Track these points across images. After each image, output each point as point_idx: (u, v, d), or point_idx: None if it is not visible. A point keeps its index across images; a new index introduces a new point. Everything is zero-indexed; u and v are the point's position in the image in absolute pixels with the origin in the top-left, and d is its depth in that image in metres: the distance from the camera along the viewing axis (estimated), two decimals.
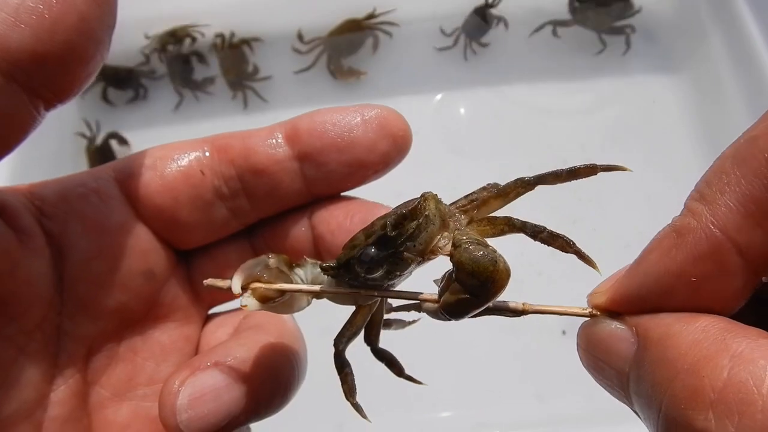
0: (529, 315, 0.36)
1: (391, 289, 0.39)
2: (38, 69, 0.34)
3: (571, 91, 1.37)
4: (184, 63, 1.38)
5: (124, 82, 1.37)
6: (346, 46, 1.39)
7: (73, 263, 0.43)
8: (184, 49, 1.39)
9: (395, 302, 0.45)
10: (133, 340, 0.47)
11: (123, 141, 1.35)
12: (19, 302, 0.40)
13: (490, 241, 0.35)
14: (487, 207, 0.40)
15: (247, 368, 0.41)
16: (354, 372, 0.44)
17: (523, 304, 0.36)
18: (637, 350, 0.31)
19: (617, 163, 0.38)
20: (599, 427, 1.05)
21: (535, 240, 0.36)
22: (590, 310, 0.34)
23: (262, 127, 0.46)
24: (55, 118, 0.38)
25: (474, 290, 0.33)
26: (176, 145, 0.46)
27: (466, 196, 0.41)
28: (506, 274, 0.33)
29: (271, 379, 0.42)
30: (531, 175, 0.38)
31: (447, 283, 0.35)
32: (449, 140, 1.32)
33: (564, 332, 1.13)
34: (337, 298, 0.40)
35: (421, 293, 0.38)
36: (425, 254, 0.38)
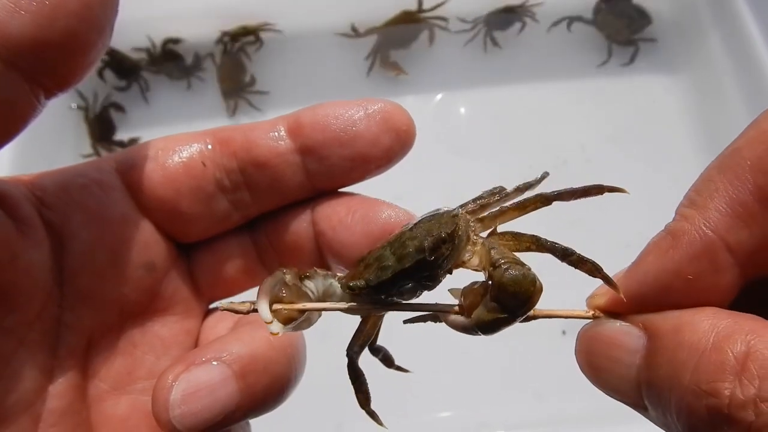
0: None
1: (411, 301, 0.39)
2: (39, 56, 0.33)
3: (571, 91, 1.37)
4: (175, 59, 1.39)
5: (127, 73, 1.38)
6: (398, 39, 1.39)
7: (74, 254, 0.43)
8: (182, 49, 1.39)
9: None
10: (133, 333, 0.46)
11: (120, 108, 1.37)
12: (18, 293, 0.40)
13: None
14: (504, 217, 0.41)
15: (243, 364, 0.40)
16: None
17: (533, 309, 0.37)
18: (647, 342, 0.33)
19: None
20: (599, 427, 1.05)
21: (562, 261, 0.37)
22: (594, 312, 0.36)
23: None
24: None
25: (513, 309, 0.35)
26: (178, 137, 0.46)
27: (474, 200, 0.42)
28: (541, 291, 0.34)
29: (268, 376, 0.41)
30: (551, 192, 0.40)
31: (476, 298, 0.36)
32: (449, 140, 1.32)
33: (564, 332, 1.13)
34: (354, 310, 0.40)
35: (449, 307, 0.38)
36: (452, 269, 0.39)
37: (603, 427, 1.04)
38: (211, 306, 0.39)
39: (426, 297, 0.40)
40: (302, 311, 0.38)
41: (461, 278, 0.39)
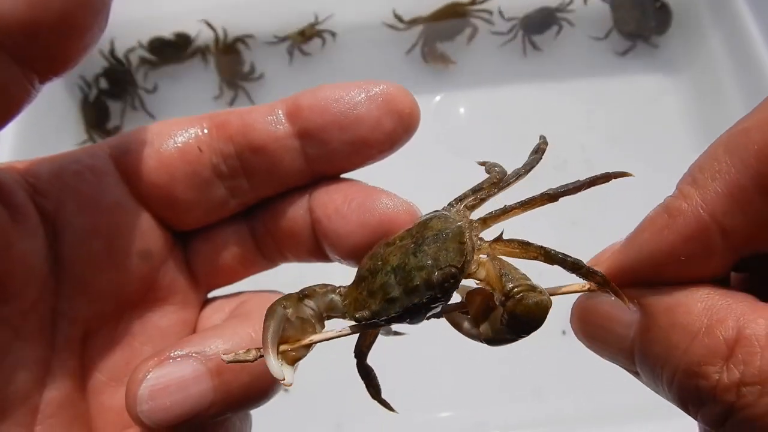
0: None
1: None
2: (32, 39, 0.32)
3: (571, 91, 1.37)
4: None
5: (117, 83, 1.37)
6: (444, 31, 1.38)
7: (68, 242, 0.42)
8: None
9: None
10: (131, 324, 0.46)
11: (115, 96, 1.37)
12: (13, 282, 0.39)
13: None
14: (507, 216, 0.40)
15: (219, 361, 0.39)
16: (354, 372, 0.43)
17: None
18: (641, 318, 0.34)
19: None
20: (599, 427, 1.05)
21: (571, 273, 0.36)
22: (589, 285, 0.36)
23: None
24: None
25: (524, 332, 0.35)
26: (174, 121, 0.45)
27: (473, 192, 0.41)
28: (550, 308, 0.35)
29: (247, 374, 0.40)
30: (555, 188, 0.39)
31: (482, 305, 0.37)
32: (449, 140, 1.32)
33: (564, 332, 1.13)
34: (360, 330, 0.39)
35: (454, 307, 0.38)
36: None
37: (603, 426, 1.04)
38: (223, 358, 0.38)
39: None
40: (309, 345, 0.38)
41: None
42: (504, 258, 0.38)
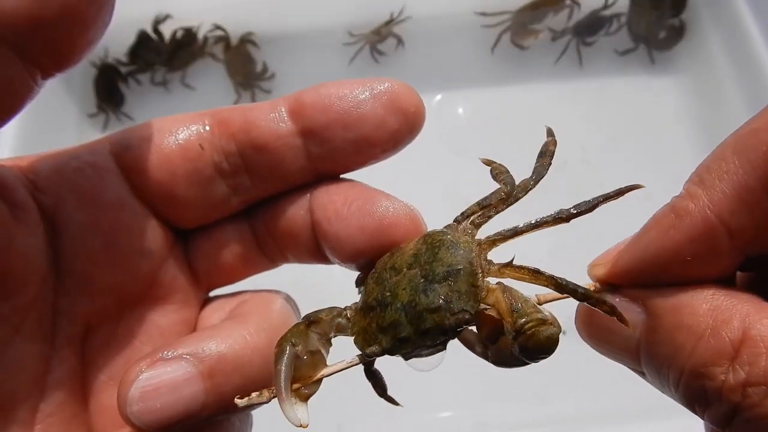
0: None
1: None
2: (35, 33, 0.31)
3: (571, 91, 1.37)
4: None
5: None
6: (528, 18, 1.39)
7: (68, 239, 0.42)
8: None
9: None
10: (131, 323, 0.45)
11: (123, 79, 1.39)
12: (13, 279, 0.39)
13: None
14: (516, 237, 0.39)
15: (211, 363, 0.39)
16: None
17: (536, 296, 0.37)
18: (647, 319, 0.34)
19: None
20: (599, 427, 1.04)
21: (581, 302, 0.36)
22: (595, 285, 0.37)
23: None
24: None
25: (535, 360, 0.35)
26: (175, 117, 0.44)
27: (480, 206, 0.40)
28: (559, 340, 0.35)
29: (240, 376, 0.39)
30: (569, 208, 0.38)
31: (492, 327, 0.37)
32: (449, 140, 1.31)
33: (564, 332, 1.13)
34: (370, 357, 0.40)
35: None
36: None
37: (603, 427, 1.04)
38: (236, 402, 0.38)
39: None
40: (321, 379, 0.38)
41: None
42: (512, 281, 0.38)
